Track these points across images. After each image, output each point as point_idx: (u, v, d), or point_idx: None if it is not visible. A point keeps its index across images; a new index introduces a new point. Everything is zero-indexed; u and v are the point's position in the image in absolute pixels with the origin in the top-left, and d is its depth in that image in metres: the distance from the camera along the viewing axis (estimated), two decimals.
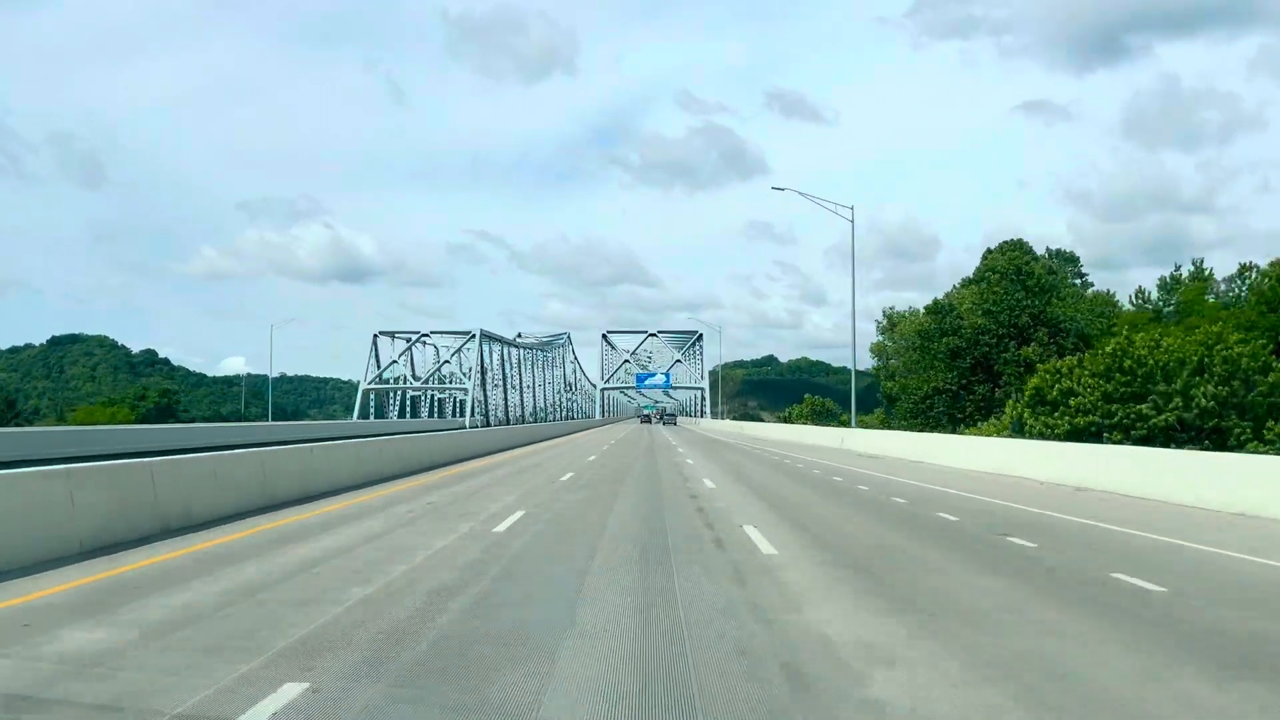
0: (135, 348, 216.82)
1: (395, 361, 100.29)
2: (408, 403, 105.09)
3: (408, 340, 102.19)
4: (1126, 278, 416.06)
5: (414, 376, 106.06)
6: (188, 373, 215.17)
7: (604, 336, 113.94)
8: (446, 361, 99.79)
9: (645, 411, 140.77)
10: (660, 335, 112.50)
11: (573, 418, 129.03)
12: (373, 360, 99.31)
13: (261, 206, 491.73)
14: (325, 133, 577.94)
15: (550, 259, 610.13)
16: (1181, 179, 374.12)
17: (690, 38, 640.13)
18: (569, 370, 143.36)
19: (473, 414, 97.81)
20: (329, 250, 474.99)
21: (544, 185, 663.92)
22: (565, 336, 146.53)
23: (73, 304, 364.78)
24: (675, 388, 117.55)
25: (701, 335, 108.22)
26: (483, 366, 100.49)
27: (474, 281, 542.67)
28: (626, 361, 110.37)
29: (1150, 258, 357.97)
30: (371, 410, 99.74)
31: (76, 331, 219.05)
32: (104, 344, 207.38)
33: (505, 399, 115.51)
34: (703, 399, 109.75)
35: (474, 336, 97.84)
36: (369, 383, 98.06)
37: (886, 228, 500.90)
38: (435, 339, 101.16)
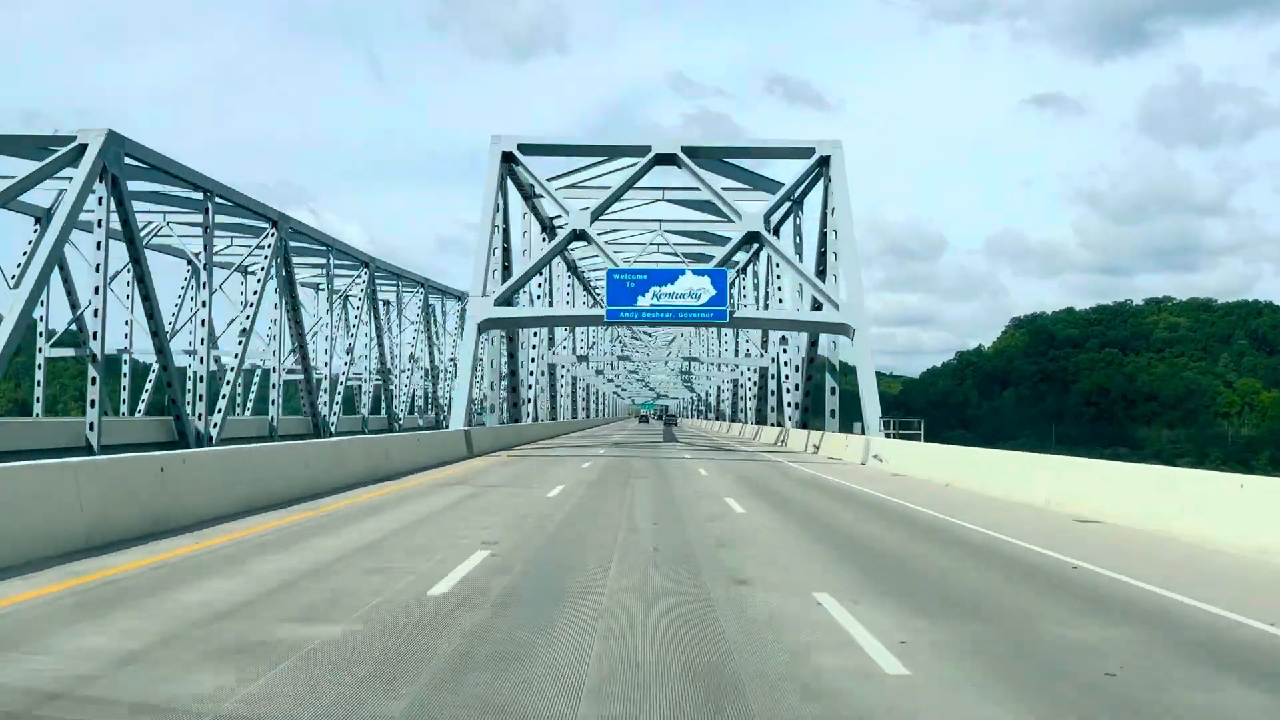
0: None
1: None
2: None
3: None
4: (1134, 284, 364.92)
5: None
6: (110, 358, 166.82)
7: (507, 160, 30.57)
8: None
9: (643, 410, 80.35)
10: (686, 164, 30.64)
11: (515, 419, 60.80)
12: None
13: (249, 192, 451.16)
14: (312, 121, 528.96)
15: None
16: (1196, 179, 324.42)
17: (686, 20, 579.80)
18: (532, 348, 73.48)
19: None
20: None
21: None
22: None
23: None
24: (736, 323, 34.85)
25: (826, 161, 30.20)
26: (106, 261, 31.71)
27: (464, 276, 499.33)
28: (578, 238, 30.60)
29: (1159, 262, 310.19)
30: None
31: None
32: None
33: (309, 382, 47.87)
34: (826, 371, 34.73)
35: (75, 149, 28.77)
36: None
37: (889, 226, 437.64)
38: None
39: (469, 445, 26.03)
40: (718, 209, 39.33)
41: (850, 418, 31.68)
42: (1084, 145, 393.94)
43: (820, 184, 32.04)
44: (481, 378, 62.23)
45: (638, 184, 38.43)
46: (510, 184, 34.40)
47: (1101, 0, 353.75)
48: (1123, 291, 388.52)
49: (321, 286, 60.35)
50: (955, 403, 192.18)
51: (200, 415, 36.71)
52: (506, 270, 31.34)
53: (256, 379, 59.49)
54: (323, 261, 57.29)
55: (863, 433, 25.64)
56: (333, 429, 53.86)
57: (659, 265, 42.02)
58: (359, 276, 59.33)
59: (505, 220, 32.78)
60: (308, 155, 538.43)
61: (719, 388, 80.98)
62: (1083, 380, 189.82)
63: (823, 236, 32.06)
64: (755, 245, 47.93)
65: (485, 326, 28.61)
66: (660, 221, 44.41)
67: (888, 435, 25.65)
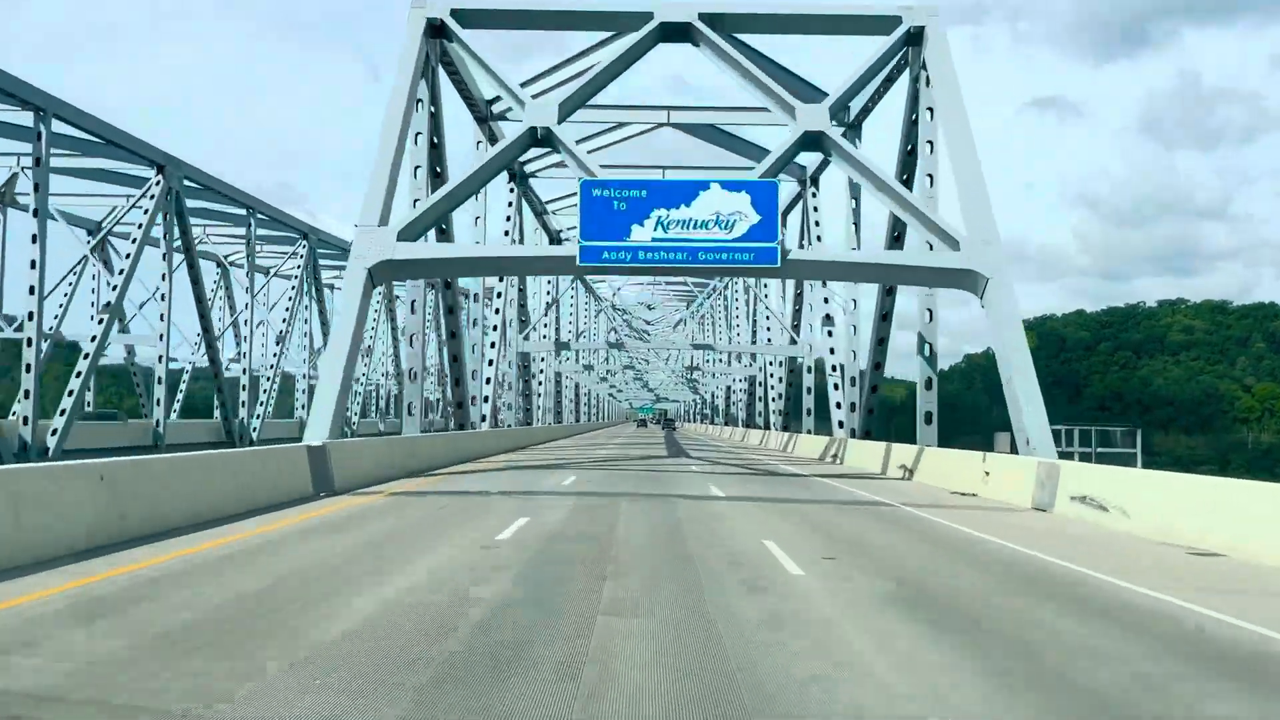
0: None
1: None
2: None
3: None
4: (1134, 288, 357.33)
5: None
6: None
7: (437, 36, 19.99)
8: None
9: (641, 415, 75.32)
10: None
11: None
12: None
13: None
14: (310, 122, 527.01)
15: None
16: (1197, 183, 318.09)
17: None
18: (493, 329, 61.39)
19: None
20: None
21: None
22: None
23: None
24: (789, 269, 21.22)
25: (917, 40, 19.83)
26: None
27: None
28: (538, 143, 19.36)
29: (1159, 266, 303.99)
30: None
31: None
32: None
33: None
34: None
35: None
36: None
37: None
38: None
39: (320, 475, 13.79)
40: (741, 143, 29.22)
41: (947, 425, 21.30)
42: (1084, 148, 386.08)
43: (901, 81, 21.61)
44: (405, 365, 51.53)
45: (636, 107, 28.47)
46: (452, 87, 23.98)
47: (1102, 2, 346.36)
48: (1123, 296, 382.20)
49: (287, 273, 50.57)
50: (966, 405, 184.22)
51: (27, 419, 26.34)
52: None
53: (185, 377, 49.06)
54: (277, 235, 47.34)
55: (1012, 448, 14.84)
56: (254, 436, 43.33)
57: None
58: (296, 250, 48.84)
59: (437, 131, 21.80)
60: (305, 157, 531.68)
61: (729, 387, 69.23)
62: (1095, 384, 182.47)
63: (907, 158, 21.57)
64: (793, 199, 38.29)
65: (382, 273, 17.25)
66: (664, 169, 34.13)
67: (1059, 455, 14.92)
